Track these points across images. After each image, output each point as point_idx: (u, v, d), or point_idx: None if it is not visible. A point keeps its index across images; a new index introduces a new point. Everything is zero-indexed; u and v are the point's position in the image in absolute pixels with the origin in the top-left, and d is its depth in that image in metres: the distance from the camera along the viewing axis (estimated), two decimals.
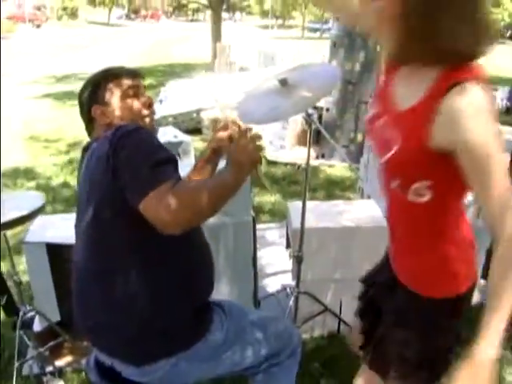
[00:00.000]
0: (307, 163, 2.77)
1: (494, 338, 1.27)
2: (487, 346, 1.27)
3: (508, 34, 57.21)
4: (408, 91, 1.44)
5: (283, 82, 2.34)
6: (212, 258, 1.81)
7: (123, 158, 1.48)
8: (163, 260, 1.62)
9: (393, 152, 1.42)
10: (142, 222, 1.45)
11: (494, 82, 14.09)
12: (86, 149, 1.75)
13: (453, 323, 1.65)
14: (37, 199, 2.59)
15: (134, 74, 1.87)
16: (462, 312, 1.66)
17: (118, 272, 1.59)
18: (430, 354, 1.63)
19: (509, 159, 1.60)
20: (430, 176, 1.42)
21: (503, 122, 8.69)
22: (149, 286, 1.60)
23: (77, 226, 1.75)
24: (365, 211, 3.16)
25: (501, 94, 11.45)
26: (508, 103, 11.06)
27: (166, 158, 1.50)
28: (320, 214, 3.17)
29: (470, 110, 1.27)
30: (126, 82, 1.82)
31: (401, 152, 1.41)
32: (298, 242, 2.95)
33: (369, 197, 3.54)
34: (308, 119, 2.61)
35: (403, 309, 1.67)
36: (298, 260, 2.96)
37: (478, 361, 1.26)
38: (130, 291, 1.59)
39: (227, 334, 1.75)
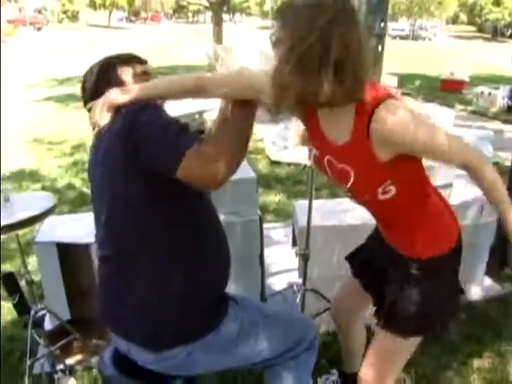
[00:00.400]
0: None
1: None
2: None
3: (508, 33, 57.28)
4: (337, 128, 1.64)
5: None
6: (229, 251, 1.85)
7: (144, 132, 1.51)
8: (186, 248, 1.66)
9: (352, 181, 1.65)
10: (166, 206, 1.58)
11: (495, 81, 14.17)
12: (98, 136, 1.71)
13: (455, 274, 1.94)
14: (47, 200, 2.63)
15: (144, 60, 1.93)
16: (460, 259, 1.94)
17: (141, 258, 1.63)
18: (443, 305, 1.90)
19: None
20: (388, 177, 1.64)
21: (505, 121, 8.81)
22: (172, 273, 1.63)
23: (97, 218, 1.75)
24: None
25: (502, 92, 11.50)
26: (509, 102, 11.10)
27: (183, 125, 1.57)
28: (325, 212, 3.21)
29: (397, 124, 1.50)
30: (138, 66, 1.87)
31: (358, 177, 1.64)
32: (304, 241, 2.99)
33: None
34: None
35: (410, 273, 1.87)
36: (304, 258, 3.00)
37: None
38: (153, 277, 1.63)
39: (241, 327, 1.77)
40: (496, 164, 7.11)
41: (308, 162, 2.72)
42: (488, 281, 3.82)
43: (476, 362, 2.97)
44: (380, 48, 6.73)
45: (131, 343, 1.70)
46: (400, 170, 1.64)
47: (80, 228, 2.96)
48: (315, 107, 1.67)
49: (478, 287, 3.70)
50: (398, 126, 1.50)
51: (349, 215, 3.14)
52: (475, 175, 1.66)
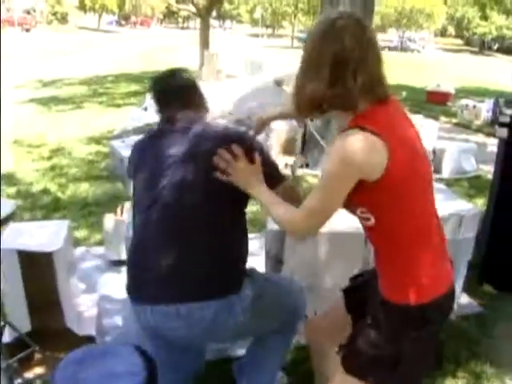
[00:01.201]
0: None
1: None
2: None
3: (495, 47, 57.90)
4: None
5: (278, 83, 2.37)
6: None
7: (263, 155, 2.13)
8: (239, 228, 2.21)
9: None
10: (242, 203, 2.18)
11: (480, 94, 14.23)
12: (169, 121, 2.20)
13: (421, 332, 1.77)
14: (7, 206, 2.53)
15: None
16: (427, 323, 1.77)
17: (204, 234, 2.07)
18: (400, 358, 1.75)
19: None
20: (359, 200, 1.70)
21: (488, 134, 8.79)
22: (223, 246, 2.10)
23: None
24: (343, 218, 3.10)
25: (486, 105, 11.52)
26: (493, 115, 11.12)
27: None
28: None
29: (335, 149, 1.63)
30: None
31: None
32: (274, 246, 2.91)
33: None
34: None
35: (375, 311, 1.82)
36: (276, 269, 2.91)
37: None
38: (209, 250, 2.07)
39: (254, 293, 2.11)
40: (478, 177, 7.09)
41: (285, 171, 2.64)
42: (465, 297, 3.75)
43: (450, 383, 2.90)
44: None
45: (178, 304, 2.00)
46: (369, 197, 1.68)
47: (44, 236, 2.86)
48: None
49: (455, 304, 3.63)
50: (334, 150, 1.64)
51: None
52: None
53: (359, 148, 1.59)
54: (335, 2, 6.47)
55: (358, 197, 1.67)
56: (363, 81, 1.62)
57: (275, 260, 2.95)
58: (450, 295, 1.85)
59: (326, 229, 2.93)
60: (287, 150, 7.22)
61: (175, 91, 2.27)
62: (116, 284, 3.35)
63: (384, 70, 1.72)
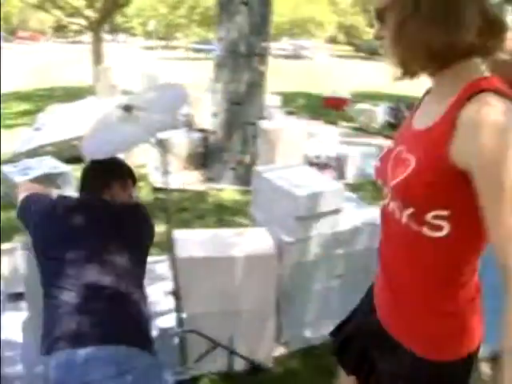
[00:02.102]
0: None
1: None
2: None
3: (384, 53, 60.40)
4: (428, 112, 1.35)
5: (127, 108, 2.18)
6: None
7: None
8: None
9: (407, 173, 1.28)
10: None
11: (374, 98, 14.65)
12: None
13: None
14: None
15: None
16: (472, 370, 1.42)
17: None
18: None
19: None
20: (447, 204, 1.25)
21: (386, 137, 8.92)
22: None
23: None
24: (255, 240, 3.00)
25: (382, 109, 11.85)
26: (389, 118, 11.46)
27: None
28: (206, 243, 2.97)
29: (489, 122, 1.15)
30: None
31: (416, 172, 1.27)
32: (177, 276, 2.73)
33: (260, 226, 3.39)
34: (159, 146, 2.45)
35: (408, 375, 1.42)
36: (176, 296, 2.69)
37: None
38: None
39: None
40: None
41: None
42: None
43: None
44: (262, 68, 6.64)
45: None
46: (463, 205, 1.24)
47: None
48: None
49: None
50: (488, 124, 1.15)
51: (232, 246, 2.93)
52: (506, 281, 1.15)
53: None
54: (233, 12, 6.37)
55: (453, 194, 1.24)
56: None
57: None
58: None
59: (240, 252, 2.86)
60: (189, 164, 7.04)
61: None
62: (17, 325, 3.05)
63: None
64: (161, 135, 2.48)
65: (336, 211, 3.13)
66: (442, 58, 1.28)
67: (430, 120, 1.31)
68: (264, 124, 6.53)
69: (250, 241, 2.97)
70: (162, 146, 2.49)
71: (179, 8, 48.25)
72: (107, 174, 2.34)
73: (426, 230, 1.28)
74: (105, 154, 2.29)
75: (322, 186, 3.16)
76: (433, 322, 1.37)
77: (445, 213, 1.25)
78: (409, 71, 1.35)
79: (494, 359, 1.37)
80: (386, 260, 1.48)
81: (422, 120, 1.37)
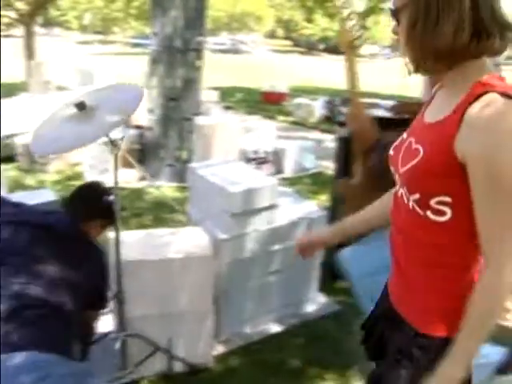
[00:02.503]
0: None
1: (460, 356, 1.31)
2: (453, 363, 1.31)
3: (322, 48, 61.14)
4: (439, 107, 1.43)
5: (80, 106, 2.11)
6: None
7: None
8: None
9: (415, 162, 1.39)
10: None
11: (312, 93, 14.80)
12: None
13: None
14: None
15: None
16: None
17: None
18: None
19: None
20: (450, 191, 1.34)
21: (323, 130, 9.03)
22: None
23: None
24: (191, 239, 2.95)
25: (319, 103, 11.97)
26: (326, 112, 11.59)
27: None
28: (143, 244, 2.91)
29: (492, 121, 1.24)
30: None
31: (423, 162, 1.37)
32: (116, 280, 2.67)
33: (196, 223, 3.35)
34: (111, 145, 2.38)
35: (408, 348, 1.49)
36: (119, 301, 2.65)
37: (442, 377, 1.31)
38: None
39: None
40: (319, 173, 7.29)
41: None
42: (322, 297, 3.76)
43: None
44: (198, 63, 6.58)
45: None
46: (465, 193, 1.31)
47: None
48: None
49: (313, 305, 3.63)
50: (491, 123, 1.24)
51: (168, 247, 2.87)
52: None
53: None
54: (167, 6, 6.28)
55: (456, 183, 1.32)
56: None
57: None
58: None
59: (176, 254, 2.81)
60: (126, 162, 6.91)
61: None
62: None
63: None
64: (112, 134, 2.41)
65: (272, 207, 3.13)
66: (448, 59, 1.35)
67: (440, 114, 1.38)
68: (200, 120, 6.48)
69: (185, 240, 2.93)
70: (114, 145, 2.43)
71: (115, 1, 47.36)
72: (99, 209, 2.49)
73: (429, 214, 1.38)
74: (54, 151, 2.24)
75: (257, 181, 3.14)
76: (435, 300, 1.45)
77: (447, 199, 1.35)
78: (420, 69, 1.41)
79: None
80: (396, 244, 1.56)
81: (432, 114, 1.45)
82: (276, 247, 3.24)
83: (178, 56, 6.40)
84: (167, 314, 2.87)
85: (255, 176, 3.31)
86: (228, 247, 3.07)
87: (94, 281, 2.28)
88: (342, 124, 3.70)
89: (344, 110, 3.89)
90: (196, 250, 2.85)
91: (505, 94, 1.26)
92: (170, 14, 6.31)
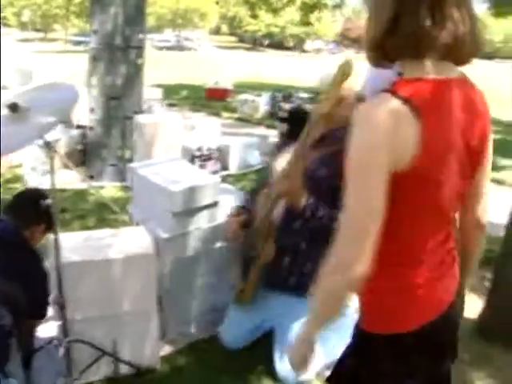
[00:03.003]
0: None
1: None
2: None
3: (266, 43, 61.48)
4: None
5: (13, 108, 2.05)
6: None
7: None
8: None
9: None
10: None
11: (257, 89, 14.84)
12: None
13: (395, 369, 1.48)
14: None
15: None
16: (404, 358, 1.47)
17: None
18: None
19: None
20: None
21: (268, 126, 9.06)
22: None
23: None
24: (133, 240, 2.92)
25: (264, 99, 12.03)
26: (270, 108, 11.65)
27: None
28: (83, 246, 2.86)
29: (360, 115, 1.27)
30: None
31: None
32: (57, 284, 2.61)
33: (138, 223, 3.32)
34: (47, 147, 2.32)
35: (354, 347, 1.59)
36: (60, 306, 2.60)
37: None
38: None
39: None
40: (264, 170, 7.30)
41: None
42: None
43: None
44: (140, 61, 6.51)
45: None
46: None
47: None
48: None
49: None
50: (359, 117, 1.27)
51: (110, 248, 2.83)
52: None
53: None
54: (106, 3, 6.19)
55: None
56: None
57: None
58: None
59: (117, 254, 2.78)
60: (67, 163, 6.77)
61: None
62: None
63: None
64: (48, 136, 2.35)
65: (213, 205, 3.12)
66: (380, 53, 1.36)
67: None
68: (141, 118, 6.41)
69: (126, 241, 2.89)
70: (50, 147, 2.36)
71: None
72: (37, 215, 2.48)
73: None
74: None
75: (199, 179, 3.13)
76: (370, 297, 1.48)
77: None
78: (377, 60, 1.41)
79: None
80: None
81: None
82: (218, 245, 3.24)
83: (118, 54, 6.31)
84: (111, 316, 2.82)
85: (197, 174, 3.30)
86: (170, 246, 3.05)
87: (34, 292, 2.26)
88: (282, 120, 3.73)
89: (286, 106, 3.92)
90: (138, 250, 2.82)
91: (395, 94, 1.26)
92: (110, 10, 6.22)
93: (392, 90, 1.27)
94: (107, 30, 6.25)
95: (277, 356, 2.90)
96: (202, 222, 3.12)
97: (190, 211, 3.04)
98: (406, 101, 1.24)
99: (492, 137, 1.47)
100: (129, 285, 2.81)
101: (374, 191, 1.24)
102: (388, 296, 1.45)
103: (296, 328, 2.89)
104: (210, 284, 3.29)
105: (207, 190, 3.08)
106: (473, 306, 3.79)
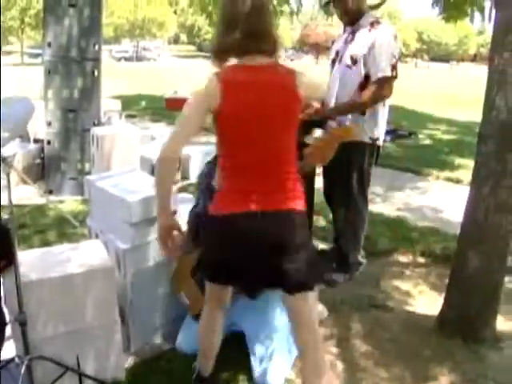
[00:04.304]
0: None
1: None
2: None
3: None
4: None
5: None
6: None
7: None
8: None
9: None
10: None
11: None
12: None
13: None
14: None
15: None
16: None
17: None
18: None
19: None
20: None
21: None
22: None
23: None
24: (91, 253, 2.90)
25: None
26: None
27: None
28: (41, 262, 2.82)
29: None
30: None
31: None
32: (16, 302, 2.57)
33: (97, 235, 3.29)
34: (3, 163, 2.30)
35: None
36: (21, 323, 2.56)
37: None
38: None
39: None
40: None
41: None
42: None
43: None
44: (96, 72, 6.46)
45: None
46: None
47: None
48: None
49: None
50: None
51: (68, 264, 2.80)
52: None
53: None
54: (60, 15, 6.13)
55: None
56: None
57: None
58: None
59: (76, 268, 2.75)
60: (27, 178, 6.68)
61: None
62: None
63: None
64: (4, 151, 2.32)
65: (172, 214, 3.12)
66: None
67: None
68: (98, 131, 6.36)
69: (85, 254, 2.87)
70: (6, 162, 2.33)
71: (10, 9, 45.58)
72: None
73: None
74: None
75: None
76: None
77: None
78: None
79: None
80: None
81: None
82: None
83: (74, 66, 6.26)
84: (74, 331, 2.79)
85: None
86: (130, 257, 3.05)
87: None
88: None
89: None
90: (97, 263, 2.80)
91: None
92: (64, 22, 6.16)
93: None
94: (62, 42, 6.19)
95: (254, 364, 2.95)
96: None
97: (148, 221, 3.04)
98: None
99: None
100: (90, 299, 2.78)
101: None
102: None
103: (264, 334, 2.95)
104: (172, 293, 3.28)
105: None
106: (433, 303, 3.88)
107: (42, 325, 2.69)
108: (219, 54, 2.32)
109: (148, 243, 3.10)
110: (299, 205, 2.31)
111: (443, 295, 3.66)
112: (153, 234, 3.08)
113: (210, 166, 3.03)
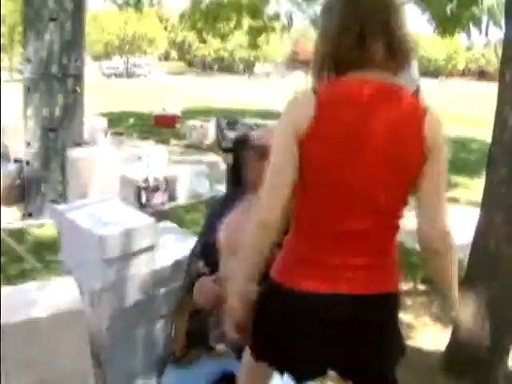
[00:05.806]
0: None
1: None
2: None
3: (216, 67, 61.88)
4: None
5: None
6: None
7: None
8: None
9: None
10: None
11: (205, 114, 14.70)
12: None
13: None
14: None
15: None
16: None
17: None
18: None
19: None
20: None
21: (219, 153, 8.70)
22: None
23: None
24: (61, 293, 2.60)
25: (212, 124, 11.86)
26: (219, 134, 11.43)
27: None
28: (5, 305, 2.51)
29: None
30: None
31: None
32: None
33: (69, 272, 2.99)
34: None
35: None
36: None
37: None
38: None
39: None
40: (214, 198, 7.00)
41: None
42: None
43: None
44: (79, 89, 6.19)
45: None
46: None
47: None
48: None
49: None
50: None
51: (34, 305, 2.50)
52: None
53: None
54: (40, 30, 5.89)
55: None
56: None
57: None
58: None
59: (44, 312, 2.45)
60: (6, 199, 6.38)
61: None
62: None
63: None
64: None
65: (150, 248, 2.82)
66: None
67: None
68: (74, 153, 6.05)
69: (54, 295, 2.57)
70: None
71: None
72: None
73: None
74: None
75: (132, 222, 2.83)
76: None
77: None
78: None
79: None
80: None
81: None
82: (161, 291, 2.93)
83: (55, 83, 6.00)
84: (45, 381, 2.49)
85: (131, 215, 2.99)
86: (105, 297, 2.75)
87: None
88: (225, 150, 3.50)
89: (230, 134, 3.68)
90: (66, 305, 2.50)
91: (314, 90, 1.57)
92: (45, 37, 5.91)
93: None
94: (42, 57, 5.95)
95: None
96: (139, 268, 2.82)
97: (124, 257, 2.73)
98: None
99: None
100: (60, 344, 2.50)
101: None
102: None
103: None
104: (152, 334, 2.98)
105: (142, 233, 2.78)
106: (438, 337, 3.62)
107: (11, 375, 2.36)
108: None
109: (125, 280, 2.79)
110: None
111: (448, 328, 3.40)
112: (129, 271, 2.78)
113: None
